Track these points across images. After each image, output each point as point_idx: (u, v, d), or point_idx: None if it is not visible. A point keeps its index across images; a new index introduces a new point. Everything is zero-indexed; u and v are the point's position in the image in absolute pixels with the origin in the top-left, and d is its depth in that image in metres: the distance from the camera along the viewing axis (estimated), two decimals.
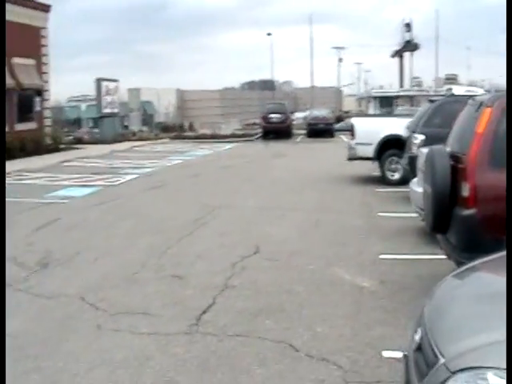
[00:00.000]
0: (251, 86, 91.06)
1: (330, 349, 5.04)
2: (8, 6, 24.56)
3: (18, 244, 9.18)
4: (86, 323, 5.86)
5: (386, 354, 4.86)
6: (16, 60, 25.26)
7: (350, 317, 5.85)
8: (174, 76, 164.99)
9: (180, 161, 21.50)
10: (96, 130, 35.02)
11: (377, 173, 15.63)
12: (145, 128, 40.86)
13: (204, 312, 5.98)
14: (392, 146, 14.47)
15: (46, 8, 28.17)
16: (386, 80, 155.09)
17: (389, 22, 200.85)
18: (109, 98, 33.13)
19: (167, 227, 10.16)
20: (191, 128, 41.92)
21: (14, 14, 25.04)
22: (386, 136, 14.74)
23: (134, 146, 28.27)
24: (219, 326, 5.62)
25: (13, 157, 21.81)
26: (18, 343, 5.36)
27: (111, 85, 33.74)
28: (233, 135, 33.24)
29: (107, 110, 32.78)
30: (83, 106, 44.56)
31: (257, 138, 31.88)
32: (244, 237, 9.27)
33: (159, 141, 31.62)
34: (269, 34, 64.00)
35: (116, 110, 34.28)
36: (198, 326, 5.62)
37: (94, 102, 35.51)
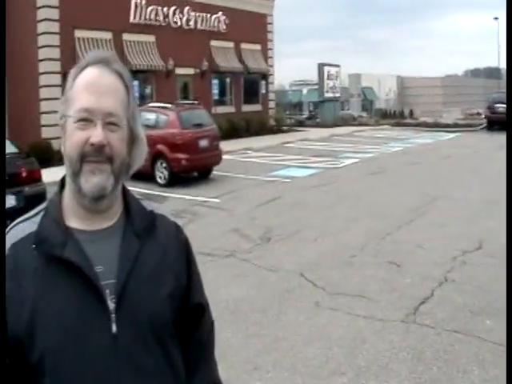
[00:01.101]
0: (475, 73, 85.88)
1: None
2: None
3: (242, 218, 9.80)
4: (304, 298, 6.07)
5: None
6: (244, 45, 26.77)
7: None
8: (393, 62, 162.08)
9: (400, 148, 21.11)
10: (315, 114, 35.86)
11: None
12: (364, 114, 40.77)
13: (422, 303, 5.84)
14: None
15: None
16: None
17: None
18: (330, 83, 33.55)
19: (386, 213, 10.06)
20: (411, 115, 40.86)
21: (243, 2, 26.58)
22: None
23: (354, 131, 28.33)
24: (437, 319, 5.44)
25: (239, 136, 23.18)
26: (242, 308, 5.75)
27: (332, 70, 34.11)
28: (455, 125, 31.67)
29: (328, 95, 33.25)
30: (305, 90, 45.76)
31: (481, 129, 30.04)
32: (466, 230, 8.83)
33: (379, 127, 31.31)
34: (496, 19, 59.57)
35: (337, 95, 34.64)
36: (415, 316, 5.51)
37: (315, 87, 36.29)
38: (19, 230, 1.42)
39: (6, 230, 1.45)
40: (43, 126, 18.77)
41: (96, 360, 1.33)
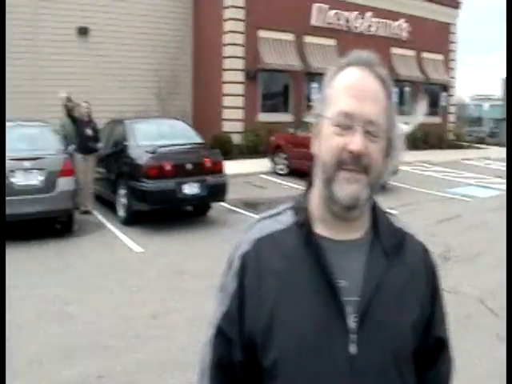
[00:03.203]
0: None
1: None
2: (424, 4, 25.32)
3: (420, 232, 9.38)
4: (484, 328, 5.67)
5: None
6: (425, 55, 25.89)
7: None
8: None
9: None
10: (497, 131, 33.77)
11: None
12: None
13: None
14: None
15: (456, 4, 28.07)
16: None
17: None
18: None
19: None
20: None
21: (427, 10, 25.67)
22: None
23: None
24: None
25: (416, 147, 22.45)
26: None
27: None
28: None
29: None
30: (486, 105, 43.35)
31: None
32: None
33: None
34: None
35: None
36: None
37: (498, 102, 34.18)
38: (263, 226, 1.39)
39: (251, 224, 1.42)
40: (224, 119, 19.62)
41: (330, 378, 1.26)
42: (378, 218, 1.39)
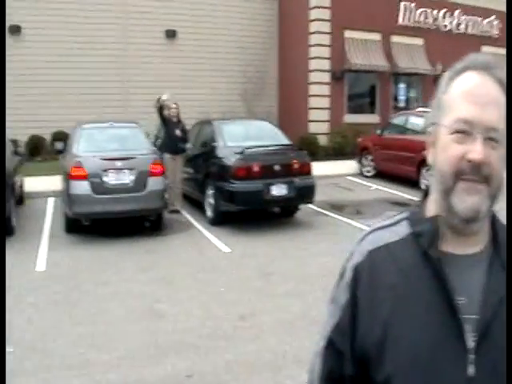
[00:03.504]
0: None
1: None
2: None
3: None
4: None
5: None
6: None
7: None
8: None
9: None
10: None
11: None
12: None
13: None
14: None
15: None
16: None
17: None
18: None
19: None
20: None
21: None
22: None
23: None
24: None
25: None
26: None
27: None
28: None
29: None
30: None
31: None
32: None
33: None
34: None
35: None
36: None
37: None
38: (377, 237, 1.32)
39: (363, 235, 1.35)
40: (311, 121, 19.50)
41: None
42: (498, 231, 1.29)
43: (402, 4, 20.93)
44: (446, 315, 1.20)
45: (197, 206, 11.14)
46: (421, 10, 21.34)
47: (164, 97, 11.19)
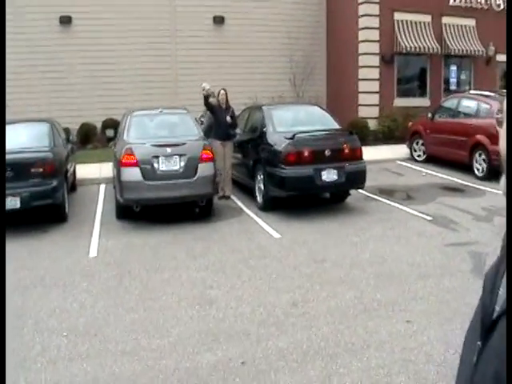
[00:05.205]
0: None
1: None
2: None
3: None
4: None
5: None
6: None
7: None
8: None
9: None
10: None
11: None
12: None
13: None
14: None
15: None
16: None
17: None
18: None
19: None
20: None
21: None
22: None
23: None
24: None
25: None
26: None
27: None
28: None
29: None
30: None
31: None
32: None
33: None
34: None
35: None
36: None
37: None
38: None
39: None
40: (360, 105, 19.19)
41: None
42: None
43: None
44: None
45: (246, 191, 11.09)
46: None
47: (206, 86, 11.20)
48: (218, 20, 19.92)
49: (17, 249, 7.97)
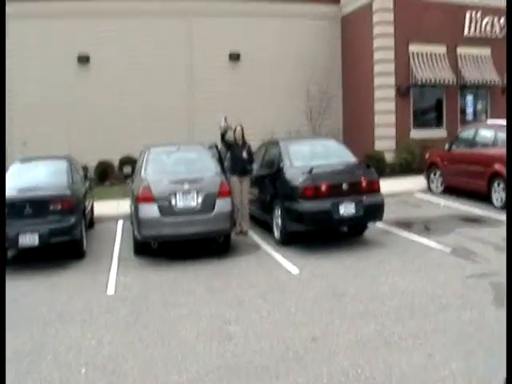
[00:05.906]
0: None
1: None
2: None
3: None
4: None
5: None
6: None
7: None
8: None
9: None
10: None
11: None
12: None
13: None
14: None
15: None
16: None
17: None
18: None
19: None
20: None
21: None
22: None
23: None
24: None
25: None
26: None
27: None
28: None
29: None
30: None
31: None
32: None
33: None
34: None
35: None
36: None
37: None
38: None
39: None
40: (377, 137, 19.21)
41: None
42: None
43: (468, 14, 20.41)
44: None
45: (263, 226, 11.08)
46: (487, 19, 20.71)
47: (222, 123, 11.33)
48: (234, 57, 20.24)
49: (35, 284, 8.02)
